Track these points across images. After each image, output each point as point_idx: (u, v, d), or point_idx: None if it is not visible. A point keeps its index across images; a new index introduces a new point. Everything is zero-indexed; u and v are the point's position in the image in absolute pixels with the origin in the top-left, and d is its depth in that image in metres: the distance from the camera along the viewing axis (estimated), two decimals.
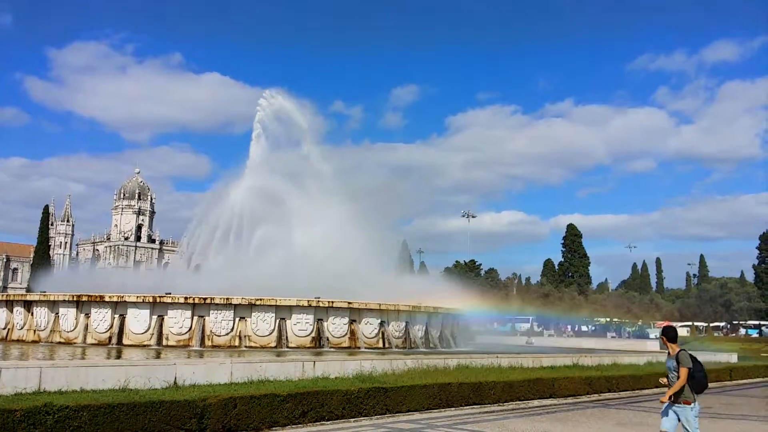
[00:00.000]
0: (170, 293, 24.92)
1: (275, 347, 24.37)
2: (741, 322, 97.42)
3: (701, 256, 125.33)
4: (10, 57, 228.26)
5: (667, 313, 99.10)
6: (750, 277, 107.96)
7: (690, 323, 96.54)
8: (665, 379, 9.61)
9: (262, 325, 24.60)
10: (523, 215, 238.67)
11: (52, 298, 26.88)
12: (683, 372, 9.09)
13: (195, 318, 24.36)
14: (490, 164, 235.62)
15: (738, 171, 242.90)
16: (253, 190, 42.03)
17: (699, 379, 9.32)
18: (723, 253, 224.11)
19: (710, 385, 24.53)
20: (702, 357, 32.54)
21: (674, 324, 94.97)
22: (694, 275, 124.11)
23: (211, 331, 24.30)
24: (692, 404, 9.22)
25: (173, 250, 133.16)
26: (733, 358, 33.43)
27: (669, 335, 9.58)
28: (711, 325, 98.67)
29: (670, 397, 9.27)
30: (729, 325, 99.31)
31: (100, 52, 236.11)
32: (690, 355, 9.24)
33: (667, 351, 9.56)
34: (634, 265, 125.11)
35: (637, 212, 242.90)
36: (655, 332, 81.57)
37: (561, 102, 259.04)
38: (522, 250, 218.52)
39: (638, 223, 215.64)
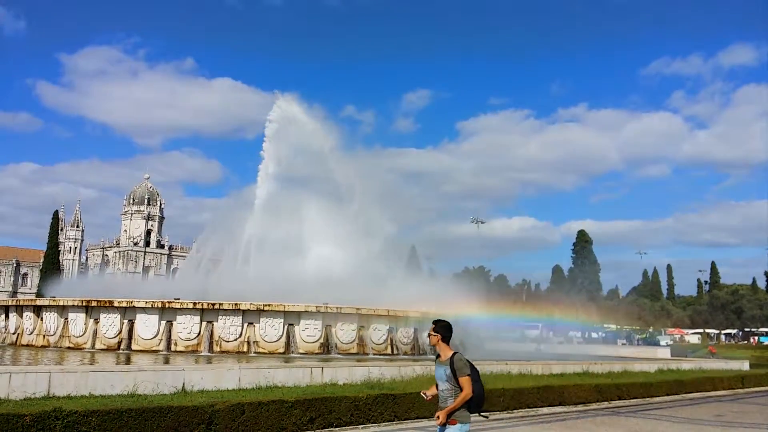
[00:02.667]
0: (179, 299, 24.97)
1: (283, 353, 24.33)
2: (753, 330, 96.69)
3: (712, 263, 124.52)
4: (22, 62, 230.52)
5: (677, 320, 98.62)
6: (762, 283, 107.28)
7: (701, 330, 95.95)
8: (433, 389, 7.48)
9: (270, 330, 24.58)
10: (534, 221, 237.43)
11: (61, 303, 26.99)
12: (466, 382, 7.00)
13: (203, 323, 24.38)
14: (502, 170, 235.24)
15: (752, 176, 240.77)
16: (264, 198, 42.22)
17: (475, 392, 7.12)
18: (735, 259, 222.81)
19: (722, 393, 24.54)
20: (713, 364, 32.13)
21: (686, 331, 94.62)
22: (705, 282, 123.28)
23: (219, 336, 24.30)
24: (460, 425, 7.03)
25: (183, 256, 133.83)
26: (745, 365, 33.12)
27: (443, 332, 7.29)
28: (723, 332, 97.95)
29: (448, 415, 7.06)
30: (740, 333, 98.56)
31: (112, 57, 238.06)
32: (467, 360, 7.25)
33: (436, 354, 7.44)
34: (645, 272, 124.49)
35: (651, 218, 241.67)
36: (666, 339, 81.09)
37: (574, 107, 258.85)
38: (533, 257, 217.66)
39: (651, 229, 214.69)
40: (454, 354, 7.16)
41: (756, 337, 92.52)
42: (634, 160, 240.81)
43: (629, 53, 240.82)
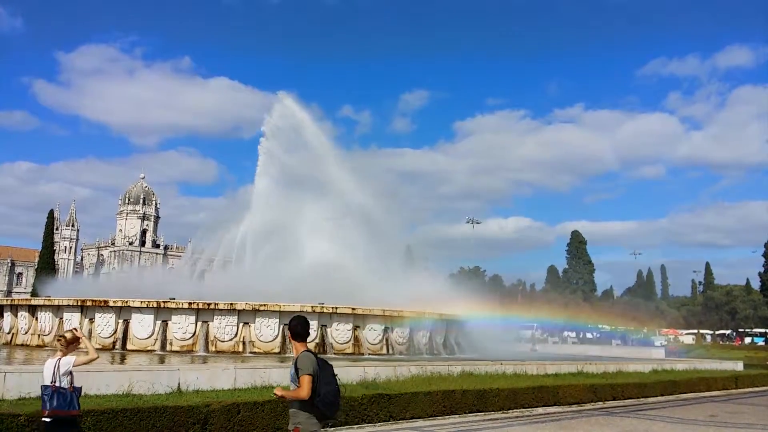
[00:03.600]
0: (174, 298, 24.94)
1: (279, 353, 24.32)
2: (747, 330, 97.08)
3: (707, 264, 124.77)
4: (19, 60, 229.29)
5: (672, 321, 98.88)
6: (756, 284, 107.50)
7: (695, 331, 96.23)
8: (280, 390, 6.63)
9: (265, 330, 24.58)
10: (530, 221, 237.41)
11: (56, 303, 26.93)
12: (304, 381, 6.35)
13: (199, 323, 24.34)
14: (498, 170, 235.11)
15: (747, 177, 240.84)
16: (261, 198, 42.23)
17: (324, 397, 6.42)
18: (729, 260, 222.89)
19: (716, 393, 24.63)
20: (707, 365, 32.22)
21: (680, 331, 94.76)
22: (700, 283, 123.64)
23: (214, 336, 24.28)
24: None
25: (178, 255, 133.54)
26: (739, 366, 33.26)
27: (294, 329, 6.73)
28: (716, 332, 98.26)
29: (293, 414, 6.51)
30: (735, 333, 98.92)
31: (109, 56, 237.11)
32: (320, 360, 6.57)
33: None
34: (639, 272, 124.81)
35: (645, 219, 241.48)
36: (660, 340, 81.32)
37: (571, 107, 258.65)
38: (528, 257, 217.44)
39: (646, 230, 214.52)
40: (304, 352, 6.60)
41: (739, 338, 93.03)
42: (629, 160, 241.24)
43: (626, 54, 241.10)
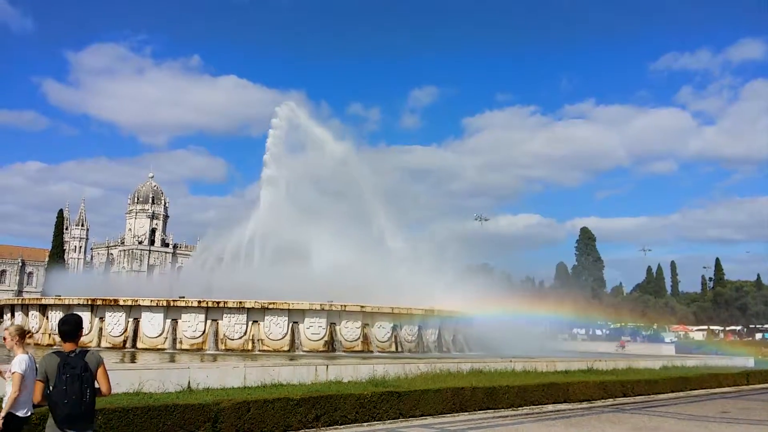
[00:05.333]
0: (184, 297, 25.02)
1: (288, 351, 24.36)
2: (758, 326, 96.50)
3: (717, 259, 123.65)
4: (29, 60, 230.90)
5: (682, 317, 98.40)
6: (767, 280, 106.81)
7: (705, 327, 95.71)
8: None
9: (275, 328, 24.62)
10: (539, 218, 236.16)
11: (66, 302, 27.05)
12: (35, 386, 6.09)
13: (208, 322, 24.40)
14: (507, 166, 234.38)
15: (759, 172, 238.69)
16: (269, 197, 42.32)
17: (55, 401, 5.95)
18: (740, 256, 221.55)
19: (726, 389, 24.52)
20: (718, 361, 32.02)
21: (690, 328, 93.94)
22: (710, 278, 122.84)
23: (224, 334, 24.34)
24: None
25: (187, 254, 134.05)
26: (750, 362, 33.08)
27: (61, 330, 6.23)
28: (727, 329, 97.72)
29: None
30: (745, 329, 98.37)
31: (118, 55, 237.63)
32: (71, 361, 6.03)
33: None
34: (649, 269, 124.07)
35: (656, 214, 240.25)
36: (670, 336, 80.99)
37: (581, 102, 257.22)
38: (537, 254, 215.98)
39: (657, 226, 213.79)
40: (51, 353, 6.14)
41: (730, 334, 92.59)
42: (640, 156, 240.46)
43: (637, 48, 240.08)
